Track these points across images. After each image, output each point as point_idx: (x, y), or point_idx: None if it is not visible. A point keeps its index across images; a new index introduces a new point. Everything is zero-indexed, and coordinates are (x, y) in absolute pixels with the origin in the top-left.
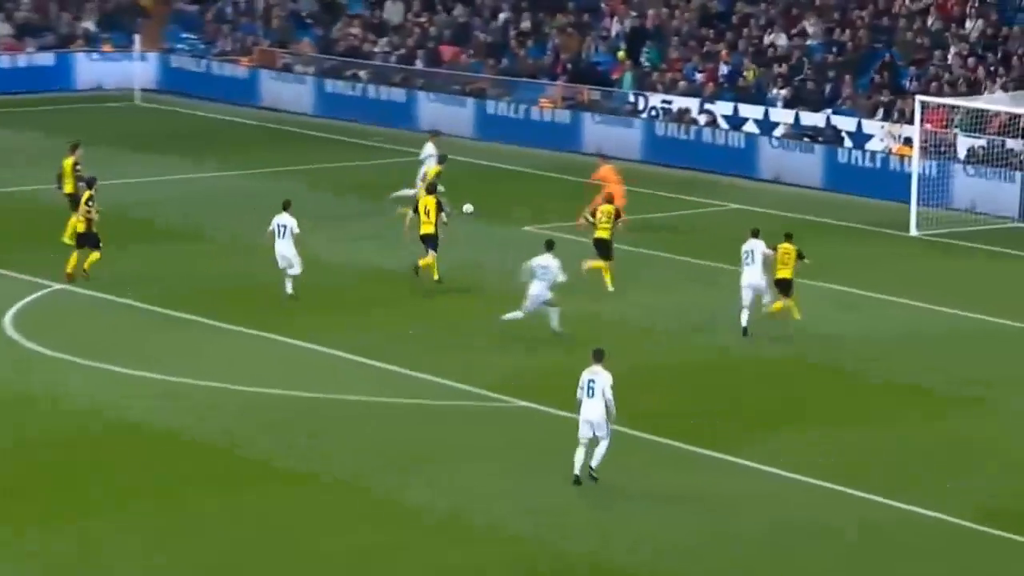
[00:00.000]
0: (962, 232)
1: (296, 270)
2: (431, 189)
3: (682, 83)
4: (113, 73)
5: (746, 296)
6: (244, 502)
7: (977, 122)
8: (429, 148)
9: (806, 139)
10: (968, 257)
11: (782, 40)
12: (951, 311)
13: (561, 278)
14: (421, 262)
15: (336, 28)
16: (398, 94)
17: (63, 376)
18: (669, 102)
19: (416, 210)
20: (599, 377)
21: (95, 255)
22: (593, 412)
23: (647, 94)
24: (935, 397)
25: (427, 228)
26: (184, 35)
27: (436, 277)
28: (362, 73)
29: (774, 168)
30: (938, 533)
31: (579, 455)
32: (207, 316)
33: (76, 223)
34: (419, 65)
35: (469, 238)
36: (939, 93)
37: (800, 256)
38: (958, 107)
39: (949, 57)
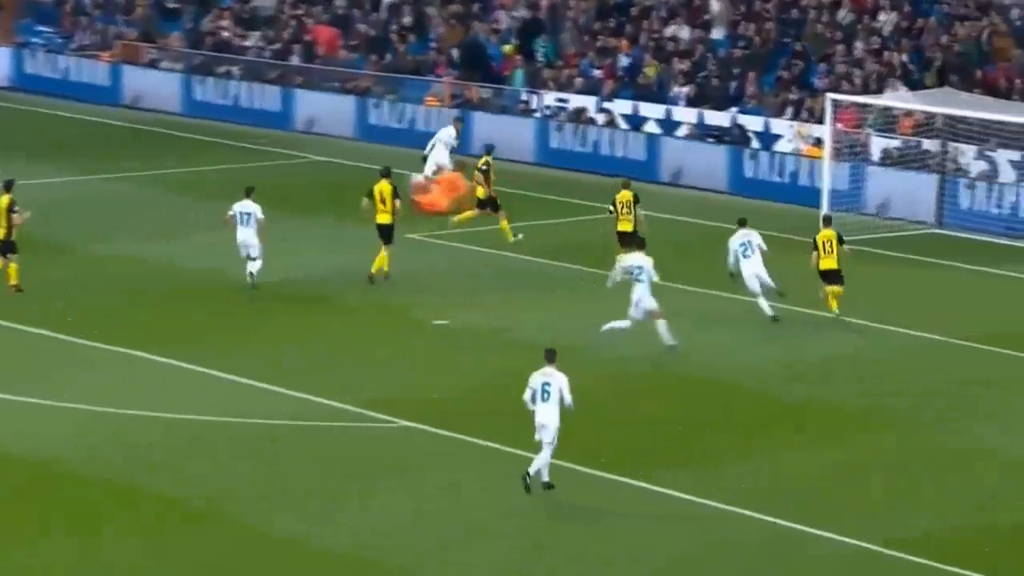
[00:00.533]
0: (877, 239)
1: (258, 262)
2: (386, 173)
3: (578, 80)
4: None
5: (754, 285)
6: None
7: (890, 122)
8: (444, 134)
9: (710, 140)
10: (883, 265)
11: (684, 33)
12: (864, 323)
13: (656, 277)
14: (374, 266)
15: (206, 20)
16: (273, 92)
17: None
18: (565, 100)
19: (371, 196)
20: (554, 379)
21: (14, 265)
22: (548, 416)
23: (541, 92)
24: (847, 415)
25: (383, 217)
26: (39, 28)
27: (386, 270)
28: (235, 69)
29: (675, 171)
30: (850, 560)
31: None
32: (69, 334)
33: None
34: (295, 60)
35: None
36: (850, 91)
37: (841, 241)
38: (871, 106)
39: (860, 52)
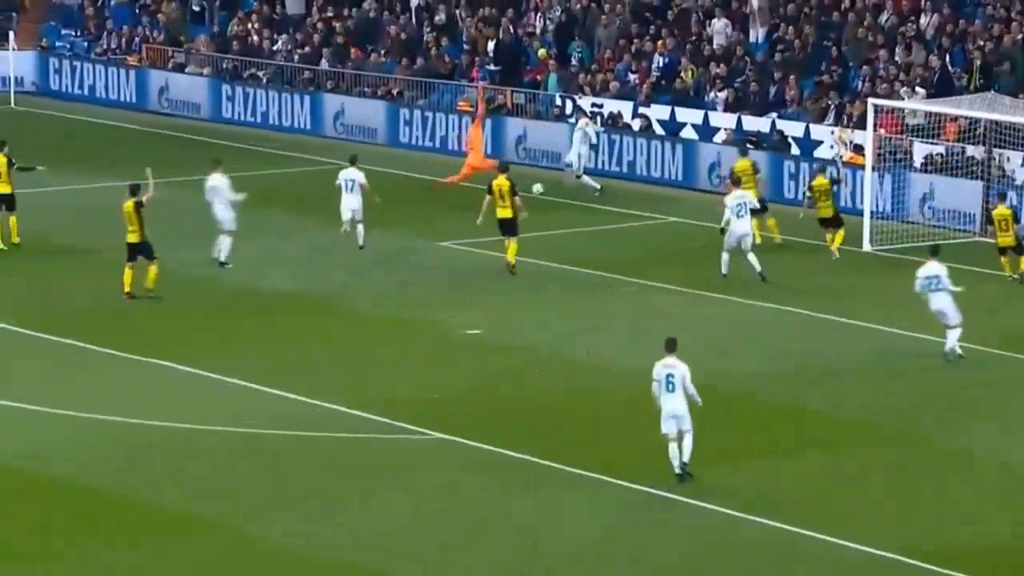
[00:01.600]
0: (919, 247)
1: (361, 226)
2: (504, 168)
3: (613, 84)
4: None
5: (745, 243)
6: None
7: (935, 127)
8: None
9: (749, 145)
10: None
11: (722, 37)
12: (908, 333)
13: (955, 287)
14: (509, 256)
15: (233, 24)
16: (302, 96)
17: None
18: (600, 105)
19: (491, 191)
20: (677, 369)
21: (153, 269)
22: (677, 406)
23: (576, 97)
24: (876, 426)
25: (504, 212)
26: (64, 32)
27: (512, 262)
28: (262, 73)
29: (715, 178)
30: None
31: (673, 450)
32: (80, 339)
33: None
34: (325, 65)
35: (382, 255)
36: (893, 96)
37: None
38: (915, 111)
39: (902, 56)
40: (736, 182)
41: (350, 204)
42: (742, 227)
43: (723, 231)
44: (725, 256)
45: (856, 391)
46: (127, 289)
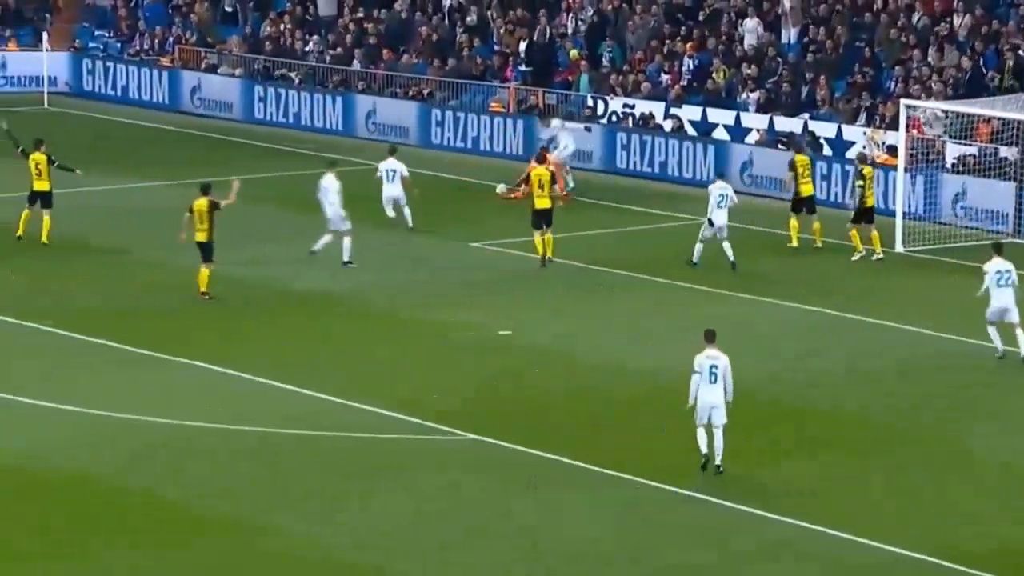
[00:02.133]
0: (952, 248)
1: (407, 209)
2: (541, 159)
3: (644, 84)
4: (19, 75)
5: (707, 235)
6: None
7: (967, 128)
8: (554, 130)
9: (780, 146)
10: (958, 275)
11: (754, 38)
12: (939, 335)
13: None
14: (538, 244)
15: (265, 24)
16: (334, 97)
17: None
18: (631, 106)
19: (528, 182)
20: (720, 360)
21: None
22: (716, 397)
23: (607, 97)
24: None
25: (543, 202)
26: (98, 33)
27: (550, 255)
28: (294, 74)
29: (746, 178)
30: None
31: (702, 436)
32: (113, 339)
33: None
34: (356, 65)
35: (414, 257)
36: (925, 96)
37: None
38: (947, 112)
39: (934, 56)
40: (721, 175)
41: (392, 192)
42: (720, 219)
43: (711, 221)
44: (699, 246)
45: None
46: (202, 289)
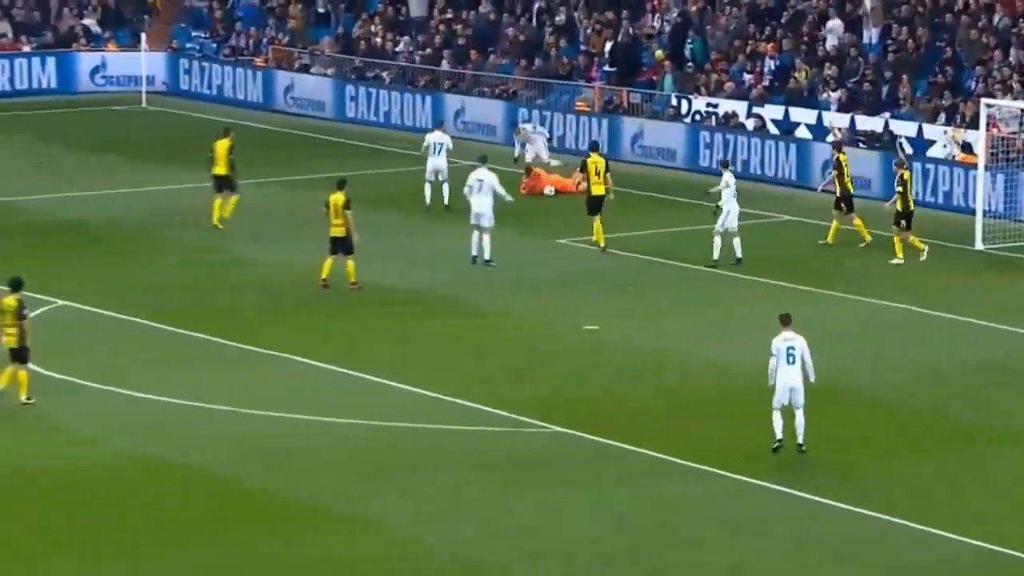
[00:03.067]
0: None
1: (446, 185)
2: (595, 146)
3: (728, 84)
4: (117, 74)
5: (718, 228)
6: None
7: None
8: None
9: (862, 145)
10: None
11: (835, 38)
12: (1019, 331)
13: None
14: (599, 239)
15: (357, 25)
16: (424, 96)
17: (66, 399)
18: (715, 105)
19: (585, 168)
20: (797, 342)
21: (351, 263)
22: (794, 378)
23: (691, 96)
24: (989, 427)
25: (598, 189)
26: (194, 33)
27: (602, 243)
28: (385, 74)
29: (827, 175)
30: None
31: (778, 419)
32: (221, 336)
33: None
34: (445, 66)
35: (501, 253)
36: (1004, 96)
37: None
38: (1004, 124)
39: (1015, 56)
40: (725, 164)
41: (437, 165)
42: (730, 208)
43: (716, 211)
44: (717, 240)
45: (961, 388)
46: (324, 276)
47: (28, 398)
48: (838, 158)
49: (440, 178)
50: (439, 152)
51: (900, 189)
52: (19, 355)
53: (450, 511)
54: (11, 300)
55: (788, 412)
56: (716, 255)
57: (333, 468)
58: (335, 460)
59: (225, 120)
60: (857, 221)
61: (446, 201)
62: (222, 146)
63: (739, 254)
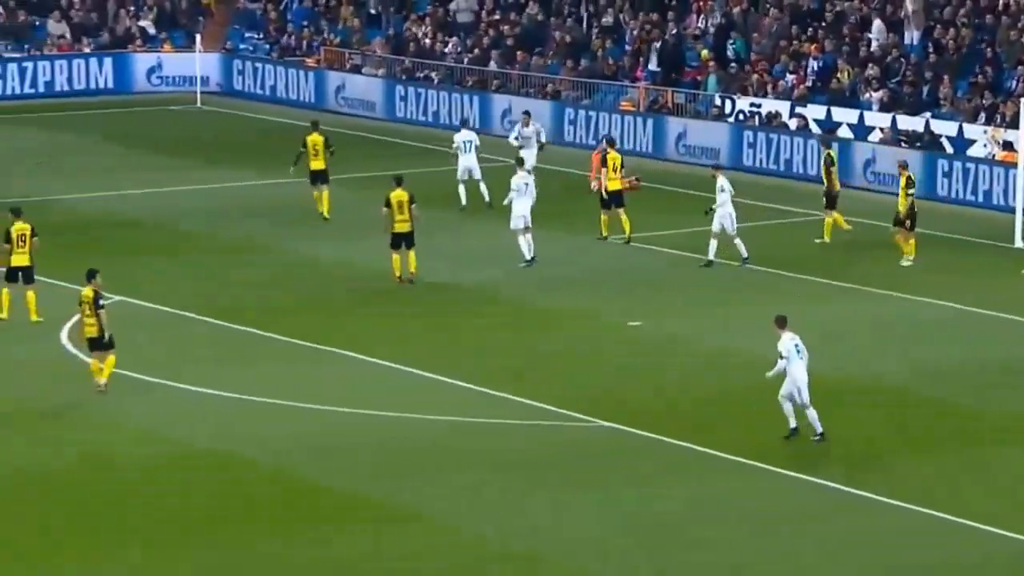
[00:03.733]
0: None
1: (482, 183)
2: (611, 141)
3: (771, 84)
4: (173, 75)
5: (715, 229)
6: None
7: None
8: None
9: (903, 145)
10: None
11: (877, 39)
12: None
13: None
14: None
15: (406, 26)
16: (472, 96)
17: (122, 393)
18: (758, 105)
19: (605, 164)
20: (799, 339)
21: (411, 255)
22: (803, 374)
23: (735, 96)
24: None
25: (614, 184)
26: (248, 34)
27: (629, 234)
28: (434, 75)
29: (869, 175)
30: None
31: (788, 410)
32: (274, 331)
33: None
34: (493, 66)
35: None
36: None
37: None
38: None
39: None
40: (717, 168)
41: (469, 163)
42: (727, 209)
43: (709, 211)
44: (714, 242)
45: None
46: (397, 274)
47: (104, 385)
48: (828, 154)
49: (474, 176)
50: (469, 150)
51: (911, 191)
52: (99, 344)
53: (496, 505)
54: (88, 291)
55: (799, 412)
56: (711, 255)
57: (376, 461)
58: (376, 454)
59: (278, 120)
60: (828, 220)
61: (487, 199)
62: (316, 140)
63: (744, 254)
